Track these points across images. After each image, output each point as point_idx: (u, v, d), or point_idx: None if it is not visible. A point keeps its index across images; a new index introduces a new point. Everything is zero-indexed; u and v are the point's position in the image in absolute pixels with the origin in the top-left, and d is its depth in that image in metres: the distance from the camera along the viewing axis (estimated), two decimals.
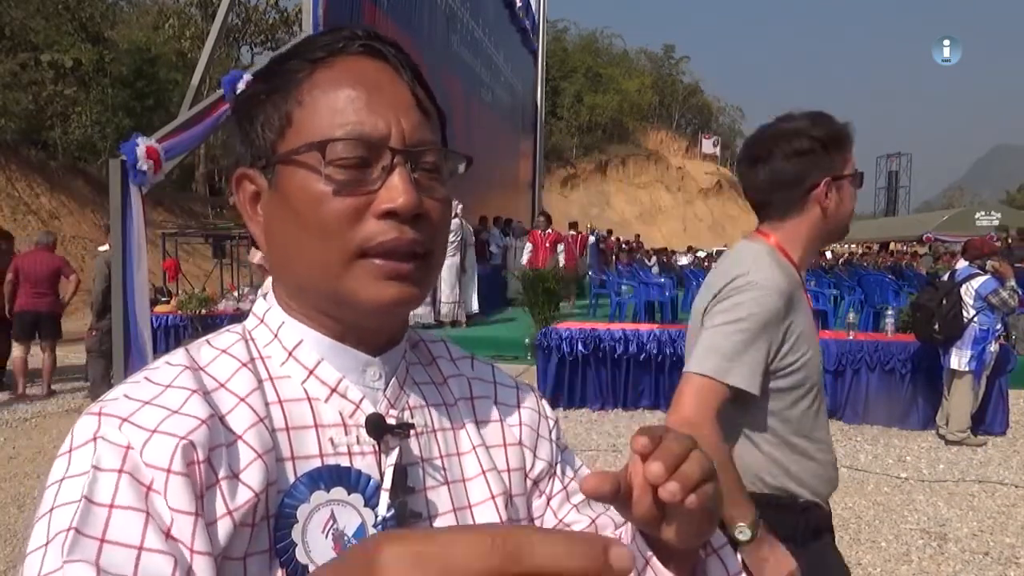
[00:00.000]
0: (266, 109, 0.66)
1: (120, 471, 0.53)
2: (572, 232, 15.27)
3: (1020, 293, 6.45)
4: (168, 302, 9.55)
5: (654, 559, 0.63)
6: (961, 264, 6.44)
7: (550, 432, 0.80)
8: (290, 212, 0.64)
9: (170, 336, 8.40)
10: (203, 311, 8.43)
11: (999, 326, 6.26)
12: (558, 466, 0.79)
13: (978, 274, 6.08)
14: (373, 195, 0.63)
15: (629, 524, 0.67)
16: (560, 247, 12.62)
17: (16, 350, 7.61)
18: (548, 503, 0.77)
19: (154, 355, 5.04)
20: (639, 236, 27.32)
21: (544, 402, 0.83)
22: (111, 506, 0.52)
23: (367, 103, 0.64)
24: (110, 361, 6.90)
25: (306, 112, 0.64)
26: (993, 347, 6.09)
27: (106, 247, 7.92)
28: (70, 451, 0.56)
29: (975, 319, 5.96)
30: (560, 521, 0.77)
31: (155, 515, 0.53)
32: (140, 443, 0.54)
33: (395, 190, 0.62)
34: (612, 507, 0.62)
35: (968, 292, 6.00)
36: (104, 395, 0.60)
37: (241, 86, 4.18)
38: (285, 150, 0.64)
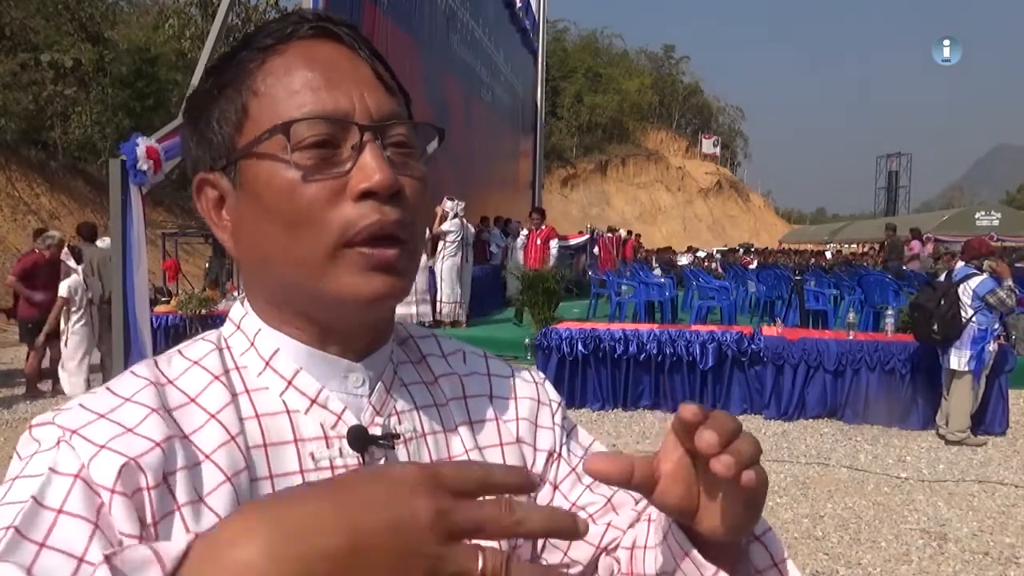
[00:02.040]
0: (220, 104, 0.62)
1: (76, 476, 0.50)
2: (609, 234, 15.15)
3: (1018, 293, 6.45)
4: (168, 302, 9.55)
5: (695, 552, 0.59)
6: (959, 264, 6.45)
7: (552, 417, 0.76)
8: (260, 209, 0.60)
9: (170, 336, 8.39)
10: (203, 311, 8.42)
11: (997, 325, 6.26)
12: (563, 448, 0.75)
13: (975, 274, 6.08)
14: (346, 177, 0.59)
15: (662, 516, 0.63)
16: (552, 243, 12.54)
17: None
18: (556, 489, 0.73)
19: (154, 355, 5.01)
20: (639, 236, 27.29)
21: (546, 386, 0.79)
22: (59, 511, 0.49)
23: (326, 81, 0.60)
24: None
25: (263, 100, 0.60)
26: (992, 347, 6.09)
27: (100, 243, 8.00)
28: (33, 454, 0.53)
29: (973, 319, 5.96)
30: (573, 504, 0.73)
31: (105, 528, 0.49)
32: (88, 457, 0.51)
33: (369, 168, 0.58)
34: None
35: (966, 292, 6.00)
36: (63, 404, 0.57)
37: None
38: (245, 142, 0.60)
